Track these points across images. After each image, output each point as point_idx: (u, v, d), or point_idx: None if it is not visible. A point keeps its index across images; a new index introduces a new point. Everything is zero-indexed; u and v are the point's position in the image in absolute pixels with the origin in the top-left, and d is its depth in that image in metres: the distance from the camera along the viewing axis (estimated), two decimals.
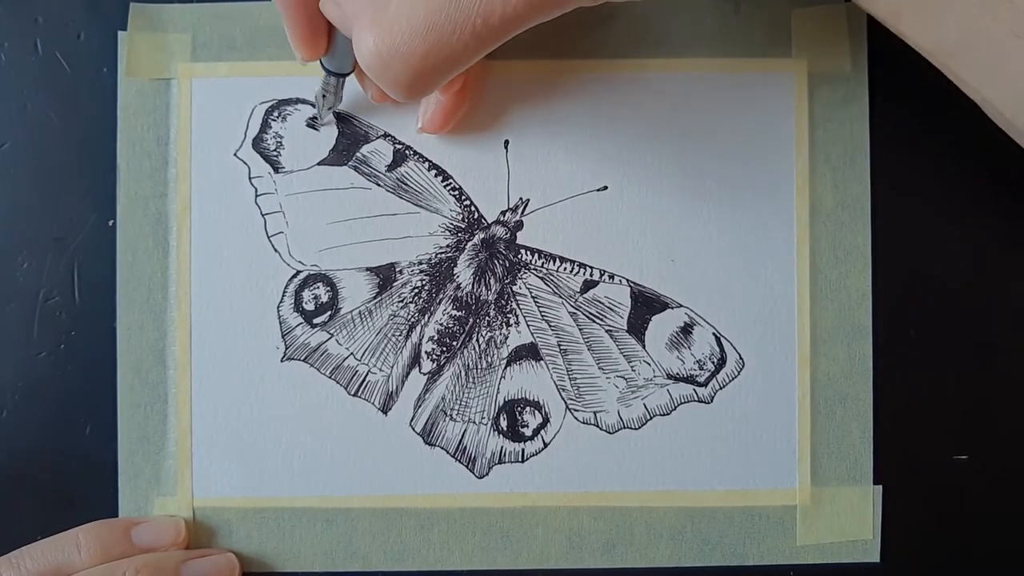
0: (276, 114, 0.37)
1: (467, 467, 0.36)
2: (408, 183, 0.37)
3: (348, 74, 0.34)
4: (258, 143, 0.37)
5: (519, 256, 0.37)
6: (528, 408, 0.36)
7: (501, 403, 0.37)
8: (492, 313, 0.37)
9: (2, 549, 0.35)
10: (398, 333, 0.37)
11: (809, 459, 0.36)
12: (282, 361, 0.36)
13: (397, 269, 0.37)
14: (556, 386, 0.37)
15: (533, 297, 0.37)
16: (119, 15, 0.37)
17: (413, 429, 0.36)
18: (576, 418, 0.36)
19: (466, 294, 0.37)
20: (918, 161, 0.37)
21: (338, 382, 0.36)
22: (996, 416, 0.37)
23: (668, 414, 0.36)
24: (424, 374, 0.37)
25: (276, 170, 0.37)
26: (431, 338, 0.37)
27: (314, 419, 0.36)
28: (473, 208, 0.37)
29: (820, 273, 0.37)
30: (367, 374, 0.37)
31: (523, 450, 0.36)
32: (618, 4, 0.37)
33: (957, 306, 0.37)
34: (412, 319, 0.37)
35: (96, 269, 0.37)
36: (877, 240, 0.36)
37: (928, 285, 0.37)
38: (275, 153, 0.37)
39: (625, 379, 0.36)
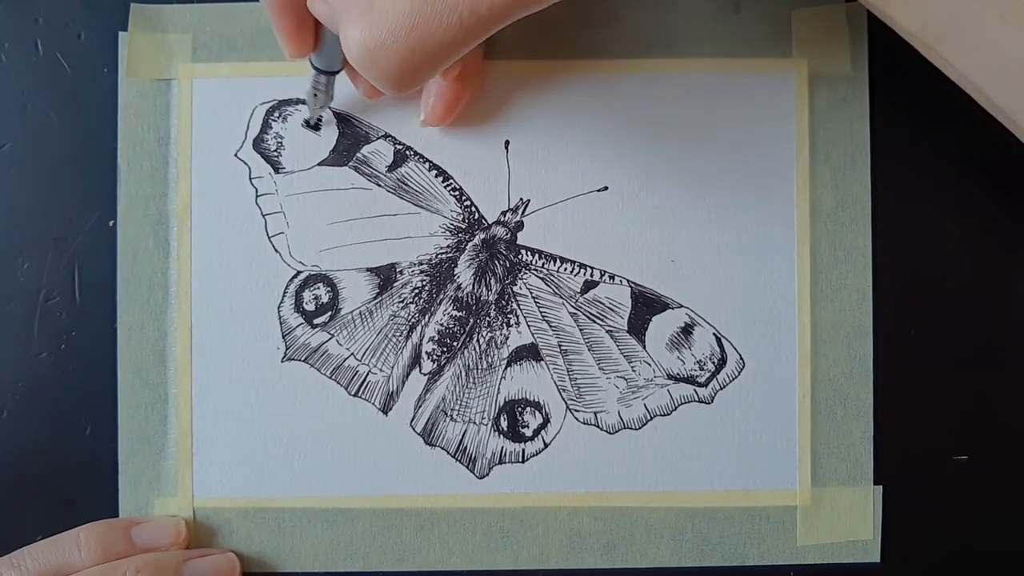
0: (277, 114, 0.37)
1: (467, 467, 0.36)
2: (408, 183, 0.37)
3: (337, 72, 0.34)
4: (259, 143, 0.37)
5: (519, 256, 0.37)
6: (528, 408, 0.37)
7: (501, 403, 0.37)
8: (492, 313, 0.37)
9: (3, 549, 0.35)
10: (398, 333, 0.37)
11: (809, 459, 0.36)
12: (282, 361, 0.36)
13: (398, 269, 0.37)
14: (556, 386, 0.37)
15: (534, 297, 0.37)
16: (119, 15, 0.37)
17: (413, 429, 0.36)
18: (576, 418, 0.36)
19: (466, 294, 0.37)
20: (918, 161, 0.37)
21: (338, 382, 0.36)
22: (996, 416, 0.37)
23: (668, 414, 0.36)
24: (424, 374, 0.37)
25: (277, 170, 0.37)
26: (431, 338, 0.37)
27: (314, 419, 0.36)
28: (473, 208, 0.37)
29: (820, 273, 0.37)
30: (367, 374, 0.37)
31: (523, 450, 0.36)
32: (614, 4, 0.37)
33: (957, 306, 0.37)
34: (412, 319, 0.37)
35: (96, 269, 0.37)
36: (877, 240, 0.37)
37: (928, 285, 0.37)
38: (276, 153, 0.37)
39: (625, 379, 0.36)
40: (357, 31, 0.27)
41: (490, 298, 0.37)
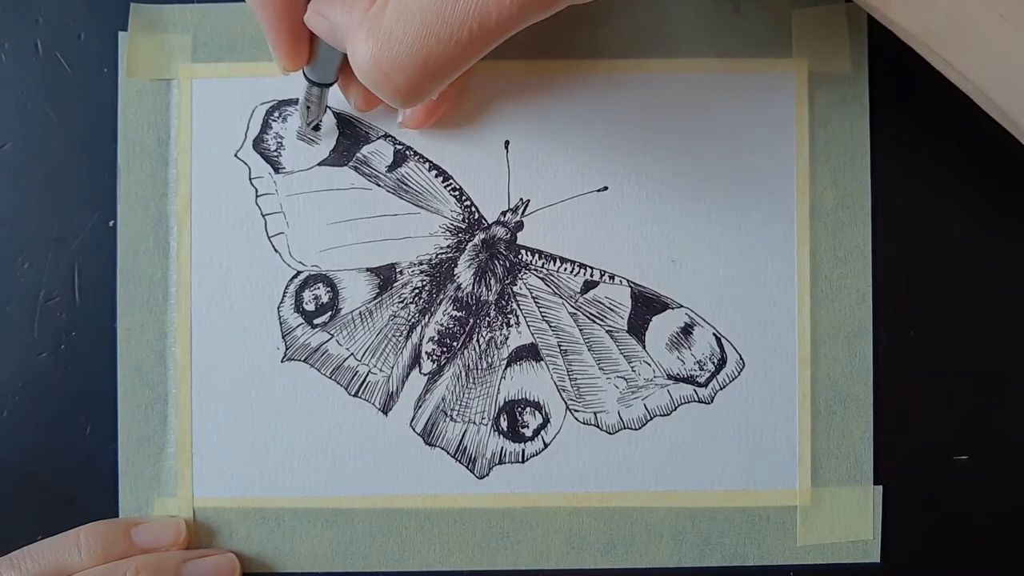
0: (277, 115, 0.37)
1: (467, 467, 0.36)
2: (408, 183, 0.37)
3: (331, 84, 0.34)
4: (258, 143, 0.37)
5: (519, 256, 0.37)
6: (528, 408, 0.37)
7: (501, 403, 0.37)
8: (492, 313, 0.37)
9: (2, 549, 0.35)
10: (398, 334, 0.37)
11: (809, 459, 0.36)
12: (282, 361, 0.36)
13: (397, 269, 0.37)
14: (556, 386, 0.37)
15: (533, 297, 0.37)
16: (119, 15, 0.37)
17: (413, 429, 0.36)
18: (576, 418, 0.36)
19: (466, 294, 0.37)
20: (918, 161, 0.37)
21: (338, 382, 0.36)
22: (996, 416, 0.37)
23: (668, 414, 0.36)
24: (424, 374, 0.37)
25: (276, 171, 0.37)
26: (431, 339, 0.37)
27: (314, 419, 0.36)
28: (473, 208, 0.37)
29: (820, 273, 0.37)
30: (367, 374, 0.37)
31: (523, 450, 0.36)
32: (614, 4, 0.37)
33: (957, 306, 0.37)
34: (412, 319, 0.37)
35: (96, 269, 0.37)
36: (877, 240, 0.37)
37: (928, 285, 0.37)
38: (275, 154, 0.37)
39: (625, 379, 0.36)
40: (366, 48, 0.27)
41: (490, 298, 0.37)
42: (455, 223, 0.37)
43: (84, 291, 0.37)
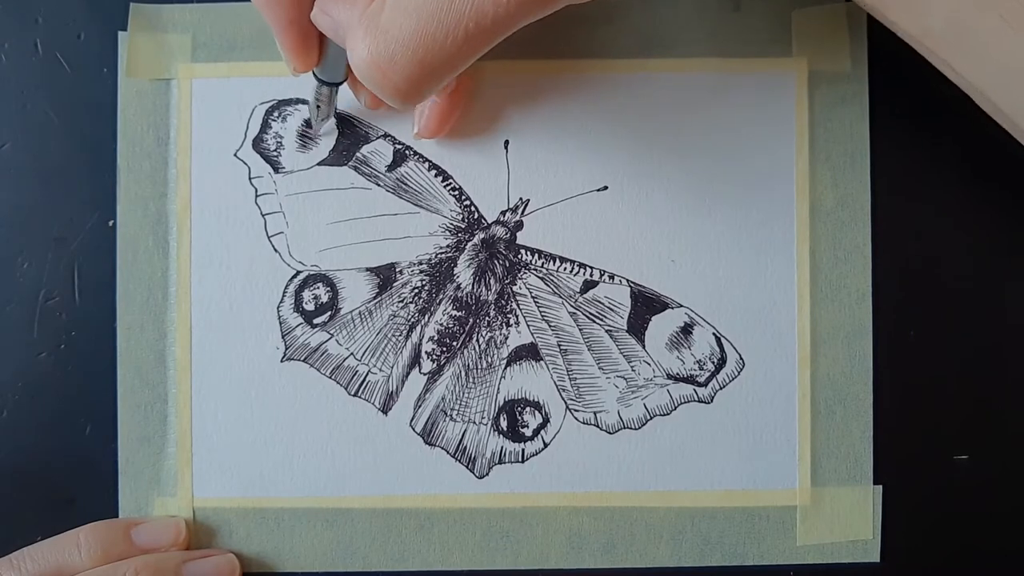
0: (276, 114, 0.37)
1: (467, 467, 0.36)
2: (408, 183, 0.37)
3: (341, 83, 0.34)
4: (258, 143, 0.37)
5: (519, 256, 0.37)
6: (528, 408, 0.37)
7: (501, 403, 0.37)
8: (492, 313, 0.37)
9: (2, 549, 0.35)
10: (398, 333, 0.37)
11: (809, 459, 0.36)
12: (282, 361, 0.36)
13: (397, 269, 0.37)
14: (556, 386, 0.37)
15: (533, 297, 0.37)
16: (119, 15, 0.37)
17: (413, 429, 0.36)
18: (576, 418, 0.36)
19: (466, 294, 0.37)
20: (918, 161, 0.37)
21: (338, 382, 0.36)
22: (996, 416, 0.37)
23: (668, 414, 0.36)
24: (424, 374, 0.37)
25: (276, 170, 0.37)
26: (431, 338, 0.37)
27: (314, 419, 0.36)
28: (473, 208, 0.37)
29: (820, 273, 0.37)
30: (367, 374, 0.37)
31: (523, 450, 0.36)
32: (614, 4, 0.37)
33: (957, 306, 0.37)
34: (412, 319, 0.37)
35: (96, 269, 0.37)
36: (877, 240, 0.36)
37: (928, 285, 0.37)
38: (275, 153, 0.37)
39: (625, 379, 0.36)
40: (363, 47, 0.27)
41: (490, 298, 0.37)
42: (455, 223, 0.37)
43: (84, 291, 0.37)
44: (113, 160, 0.37)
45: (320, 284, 0.37)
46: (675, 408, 0.36)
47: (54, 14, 0.37)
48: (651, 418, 0.36)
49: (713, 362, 0.36)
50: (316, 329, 0.37)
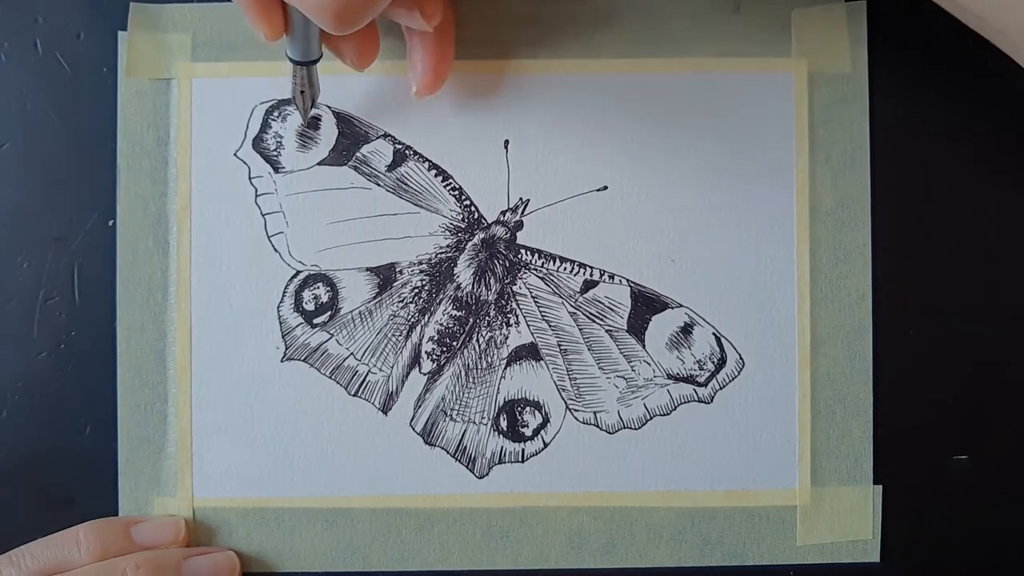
0: (276, 114, 0.37)
1: (467, 467, 0.36)
2: (408, 183, 0.37)
3: (316, 60, 0.34)
4: (258, 143, 0.37)
5: (519, 256, 0.37)
6: (528, 408, 0.37)
7: (501, 403, 0.37)
8: (492, 313, 0.37)
9: (2, 548, 0.35)
10: (398, 333, 0.37)
11: (809, 459, 0.36)
12: (282, 361, 0.36)
13: (397, 269, 0.37)
14: (556, 386, 0.37)
15: (533, 297, 0.37)
16: (119, 15, 0.37)
17: (413, 429, 0.36)
18: (576, 418, 0.36)
19: (466, 294, 0.37)
20: (918, 161, 0.37)
21: (338, 382, 0.36)
22: (996, 416, 0.37)
23: (668, 414, 0.36)
24: (424, 374, 0.37)
25: (276, 170, 0.37)
26: (431, 338, 0.37)
27: (314, 419, 0.36)
28: (473, 208, 0.37)
29: (820, 273, 0.37)
30: (367, 374, 0.37)
31: (523, 450, 0.36)
32: (613, 4, 0.37)
33: (957, 306, 0.37)
34: (412, 319, 0.37)
35: (96, 269, 0.37)
36: (877, 240, 0.36)
37: (928, 285, 0.37)
38: (275, 153, 0.37)
39: (625, 379, 0.36)
40: None
41: (490, 298, 0.37)
42: (455, 223, 0.37)
43: (84, 291, 0.37)
44: (113, 160, 0.37)
45: (320, 284, 0.37)
46: (675, 408, 0.36)
47: (54, 14, 0.37)
48: (651, 418, 0.36)
49: (713, 362, 0.36)
50: (316, 329, 0.37)
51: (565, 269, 0.37)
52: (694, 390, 0.36)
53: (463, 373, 0.37)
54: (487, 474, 0.36)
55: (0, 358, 0.37)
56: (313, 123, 0.37)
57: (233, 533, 0.36)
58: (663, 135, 0.37)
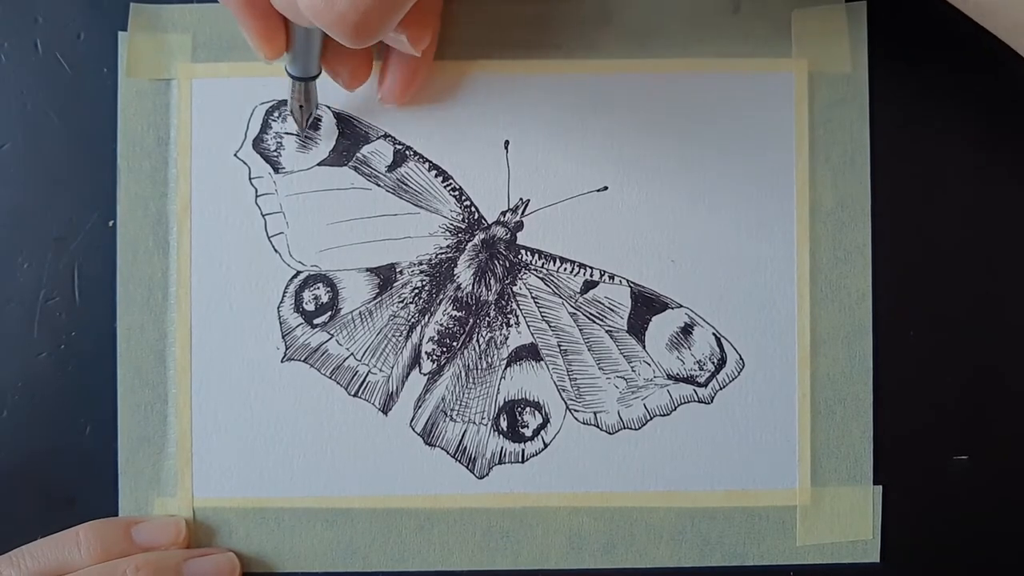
0: (276, 114, 0.37)
1: (467, 467, 0.36)
2: (408, 183, 0.37)
3: (315, 77, 0.34)
4: (258, 143, 0.37)
5: (519, 256, 0.37)
6: (528, 408, 0.37)
7: (501, 403, 0.37)
8: (492, 313, 0.37)
9: (2, 548, 0.35)
10: (398, 333, 0.37)
11: (809, 459, 0.36)
12: (282, 361, 0.36)
13: (397, 269, 0.37)
14: (556, 386, 0.37)
15: (533, 297, 0.37)
16: (119, 15, 0.37)
17: (413, 429, 0.36)
18: (576, 418, 0.36)
19: (466, 294, 0.37)
20: (918, 161, 0.37)
21: (338, 382, 0.36)
22: (996, 416, 0.37)
23: (668, 414, 0.36)
24: (424, 374, 0.37)
25: (276, 170, 0.37)
26: (431, 338, 0.37)
27: (314, 419, 0.36)
28: (473, 208, 0.37)
29: (820, 273, 0.37)
30: (367, 374, 0.37)
31: (523, 450, 0.36)
32: (613, 4, 0.37)
33: (957, 306, 0.37)
34: (412, 319, 0.37)
35: (96, 269, 0.37)
36: (877, 240, 0.36)
37: (928, 285, 0.37)
38: (275, 153, 0.37)
39: (625, 379, 0.36)
40: None
41: (490, 298, 0.37)
42: (455, 223, 0.37)
43: (84, 291, 0.37)
44: (113, 160, 0.37)
45: (320, 284, 0.37)
46: (675, 408, 0.36)
47: (54, 14, 0.37)
48: (651, 418, 0.36)
49: (713, 362, 0.36)
50: (316, 329, 0.37)
51: (565, 269, 0.37)
52: (694, 390, 0.36)
53: (463, 373, 0.37)
54: (487, 474, 0.36)
55: (0, 358, 0.37)
56: (313, 123, 0.37)
57: (233, 533, 0.36)
58: (663, 135, 0.37)
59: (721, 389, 0.36)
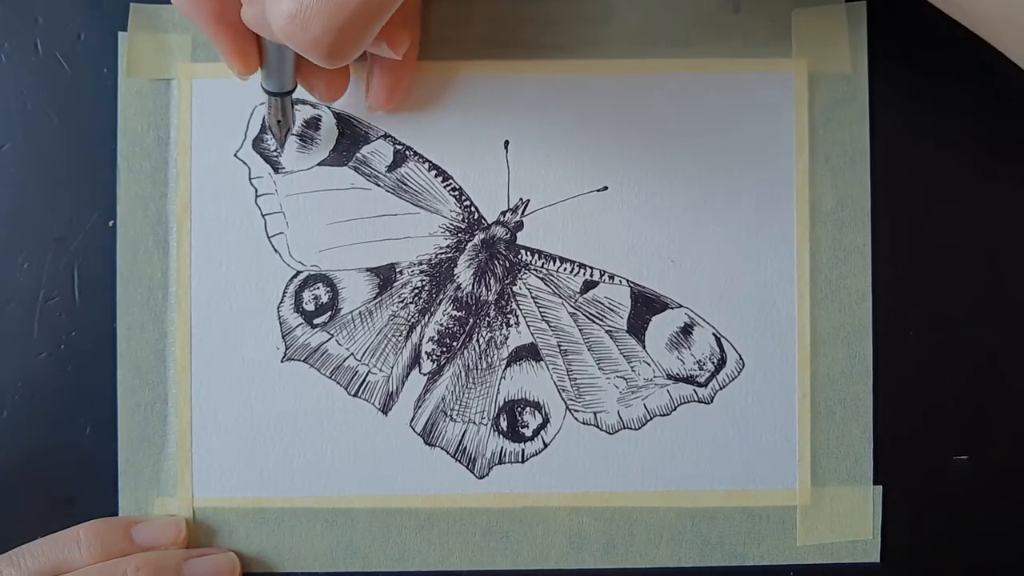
0: None
1: (467, 467, 0.36)
2: (408, 183, 0.37)
3: (291, 91, 0.34)
4: (258, 143, 0.37)
5: (519, 256, 0.37)
6: (528, 408, 0.37)
7: (501, 403, 0.37)
8: (492, 313, 0.37)
9: (3, 548, 0.35)
10: (398, 333, 0.37)
11: (809, 459, 0.36)
12: (282, 361, 0.36)
13: (397, 269, 0.37)
14: (556, 386, 0.37)
15: (533, 297, 0.37)
16: (119, 15, 0.37)
17: (413, 429, 0.36)
18: (576, 418, 0.36)
19: (466, 294, 0.37)
20: (918, 161, 0.37)
21: (338, 382, 0.36)
22: (996, 416, 0.37)
23: (668, 414, 0.36)
24: (424, 374, 0.37)
25: (276, 170, 0.37)
26: (431, 338, 0.37)
27: (314, 419, 0.36)
28: (473, 208, 0.37)
29: (820, 273, 0.37)
30: (367, 374, 0.37)
31: (523, 450, 0.36)
32: (614, 4, 0.37)
33: (957, 306, 0.37)
34: (412, 319, 0.37)
35: (96, 269, 0.37)
36: (877, 240, 0.36)
37: (928, 285, 0.37)
38: (275, 153, 0.37)
39: (625, 379, 0.36)
40: (284, 1, 0.27)
41: (490, 298, 0.37)
42: (455, 223, 0.37)
43: (84, 291, 0.37)
44: (113, 160, 0.37)
45: (320, 284, 0.37)
46: (675, 408, 0.36)
47: (54, 14, 0.37)
48: (651, 418, 0.36)
49: (713, 362, 0.36)
50: (316, 329, 0.37)
51: (565, 269, 0.37)
52: (694, 390, 0.36)
53: (463, 373, 0.37)
54: (487, 474, 0.36)
55: (0, 358, 0.37)
56: (313, 123, 0.37)
57: (233, 533, 0.36)
58: (663, 135, 0.37)
59: (721, 389, 0.36)
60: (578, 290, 0.37)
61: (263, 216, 0.37)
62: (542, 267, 0.37)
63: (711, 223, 0.37)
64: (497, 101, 0.37)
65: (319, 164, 0.37)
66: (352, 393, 0.36)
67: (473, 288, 0.37)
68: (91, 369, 0.37)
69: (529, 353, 0.37)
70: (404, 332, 0.37)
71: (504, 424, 0.37)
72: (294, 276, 0.37)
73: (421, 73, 0.36)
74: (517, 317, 0.37)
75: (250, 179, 0.37)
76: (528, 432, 0.36)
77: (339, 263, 0.37)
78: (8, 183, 0.37)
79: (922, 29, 0.37)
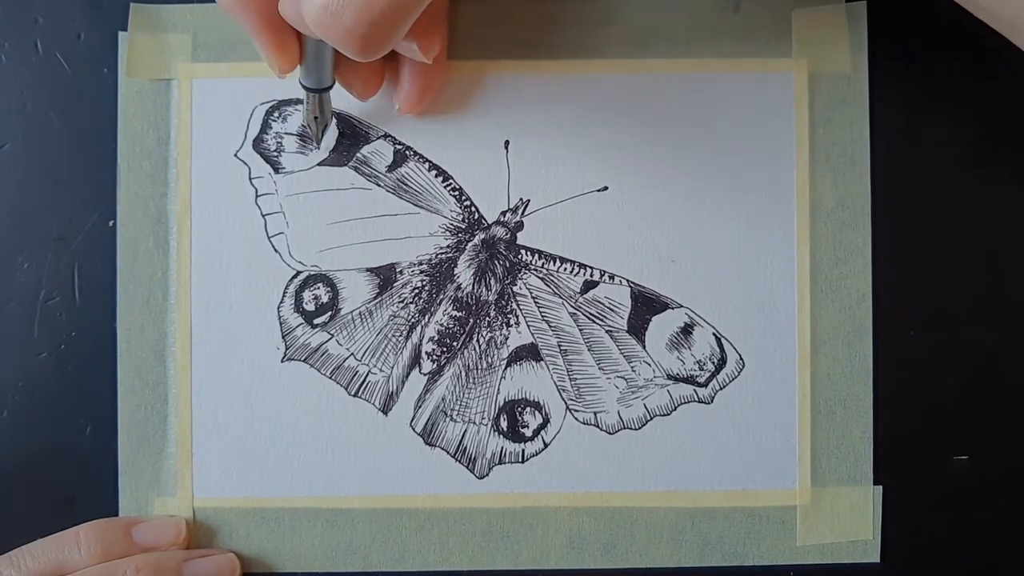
0: (276, 114, 0.37)
1: (467, 467, 0.36)
2: (408, 183, 0.37)
3: (329, 88, 0.34)
4: (258, 143, 0.37)
5: (519, 256, 0.37)
6: (528, 408, 0.37)
7: (501, 403, 0.37)
8: (492, 313, 0.37)
9: (3, 549, 0.35)
10: (398, 333, 0.37)
11: (809, 459, 0.36)
12: (282, 361, 0.36)
13: (397, 269, 0.37)
14: (556, 386, 0.37)
15: (533, 297, 0.37)
16: (119, 15, 0.37)
17: (413, 429, 0.36)
18: (576, 418, 0.36)
19: (466, 294, 0.37)
20: (918, 161, 0.37)
21: (338, 382, 0.36)
22: (996, 416, 0.37)
23: (668, 414, 0.36)
24: (424, 374, 0.37)
25: (276, 170, 0.37)
26: (431, 338, 0.37)
27: (314, 419, 0.36)
28: (473, 208, 0.37)
29: (820, 273, 0.37)
30: (367, 374, 0.37)
31: (523, 450, 0.36)
32: (613, 4, 0.37)
33: (957, 307, 0.37)
34: (412, 319, 0.37)
35: (96, 269, 0.37)
36: (877, 240, 0.37)
37: (928, 285, 0.37)
38: (275, 153, 0.37)
39: (625, 379, 0.36)
40: None
41: (490, 298, 0.37)
42: (455, 223, 0.37)
43: (84, 291, 0.37)
44: (113, 160, 0.37)
45: (320, 284, 0.37)
46: (675, 408, 0.36)
47: (54, 14, 0.37)
48: (651, 418, 0.36)
49: (713, 362, 0.36)
50: (316, 329, 0.37)
51: (565, 269, 0.37)
52: (694, 390, 0.36)
53: (463, 373, 0.37)
54: (487, 474, 0.36)
55: (0, 358, 0.37)
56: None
57: (233, 533, 0.36)
58: (663, 135, 0.37)
59: (721, 389, 0.36)
60: (578, 290, 0.37)
61: (263, 216, 0.37)
62: (542, 267, 0.37)
63: (711, 223, 0.37)
64: (497, 101, 0.37)
65: (319, 164, 0.37)
66: (352, 393, 0.36)
67: (473, 288, 0.37)
68: (91, 369, 0.37)
69: (529, 353, 0.37)
70: (404, 332, 0.37)
71: (504, 424, 0.37)
72: (294, 276, 0.37)
73: None
74: (517, 317, 0.37)
75: (250, 179, 0.37)
76: (528, 432, 0.36)
77: (339, 263, 0.37)
78: (8, 183, 0.37)
79: (922, 29, 0.37)
